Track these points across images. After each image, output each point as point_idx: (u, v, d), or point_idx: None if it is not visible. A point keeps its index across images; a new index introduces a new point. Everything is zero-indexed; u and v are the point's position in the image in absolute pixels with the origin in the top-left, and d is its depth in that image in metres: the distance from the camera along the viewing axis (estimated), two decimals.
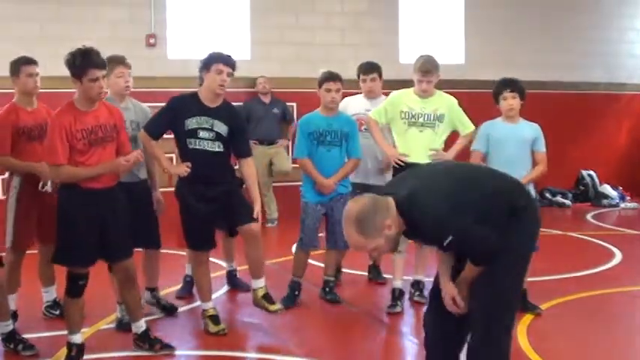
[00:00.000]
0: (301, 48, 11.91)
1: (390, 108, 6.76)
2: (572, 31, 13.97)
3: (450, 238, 3.76)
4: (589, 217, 12.53)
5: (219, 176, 6.00)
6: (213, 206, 5.94)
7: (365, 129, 7.02)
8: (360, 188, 6.90)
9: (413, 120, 6.66)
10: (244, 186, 6.22)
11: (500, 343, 3.98)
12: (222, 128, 5.94)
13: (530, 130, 6.53)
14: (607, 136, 14.44)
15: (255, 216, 5.97)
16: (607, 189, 13.84)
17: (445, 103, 6.74)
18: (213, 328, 5.99)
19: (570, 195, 13.86)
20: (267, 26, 11.90)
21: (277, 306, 6.19)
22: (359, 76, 7.35)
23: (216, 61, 5.91)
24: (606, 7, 14.48)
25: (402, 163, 6.57)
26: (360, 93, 7.43)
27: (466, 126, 6.77)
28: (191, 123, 5.89)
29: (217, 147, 5.94)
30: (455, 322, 4.11)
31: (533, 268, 6.65)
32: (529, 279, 6.58)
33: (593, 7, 14.32)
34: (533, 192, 6.49)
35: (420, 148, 6.63)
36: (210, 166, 5.94)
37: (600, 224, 11.82)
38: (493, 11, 13.41)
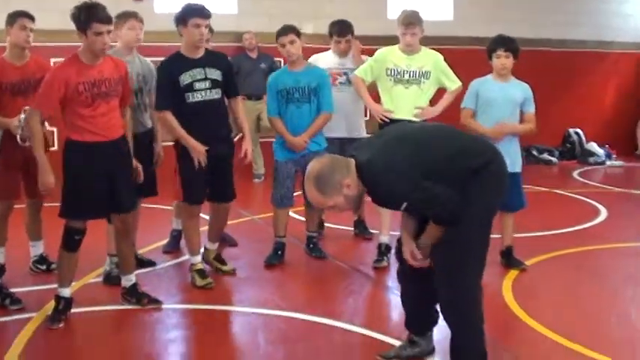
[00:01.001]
0: (288, 3, 11.81)
1: (375, 65, 6.74)
2: None
3: (405, 205, 3.91)
4: (575, 174, 12.58)
5: (219, 126, 6.08)
6: (210, 165, 5.98)
7: (340, 82, 7.07)
8: (338, 143, 6.91)
9: (399, 77, 6.64)
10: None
11: (467, 295, 4.08)
12: (215, 74, 6.00)
13: (520, 90, 6.49)
14: (594, 95, 14.45)
15: (242, 155, 6.20)
16: (593, 147, 13.88)
17: (431, 59, 6.72)
18: (200, 282, 6.03)
19: (557, 153, 13.90)
20: None
21: (230, 266, 6.44)
22: (331, 36, 7.30)
23: (191, 15, 5.90)
24: None
25: (388, 120, 6.58)
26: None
27: (453, 81, 6.75)
28: (185, 78, 5.92)
29: (215, 94, 6.01)
30: (426, 277, 4.20)
31: (519, 224, 6.77)
32: (515, 235, 6.65)
33: None
34: (518, 148, 6.53)
35: (405, 105, 6.63)
36: (210, 116, 6.00)
37: (586, 182, 11.88)
38: None
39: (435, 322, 4.54)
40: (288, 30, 6.52)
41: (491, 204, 4.14)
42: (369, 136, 7.28)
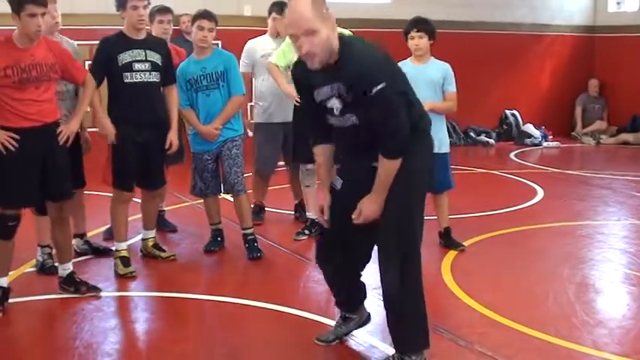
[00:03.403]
0: None
1: (287, 49, 6.76)
2: None
3: (383, 85, 3.73)
4: (512, 155, 12.74)
5: (154, 110, 6.00)
6: (140, 153, 5.93)
7: None
8: (280, 128, 6.93)
9: None
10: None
11: (416, 251, 4.09)
12: (155, 57, 5.97)
13: (438, 69, 6.47)
14: (530, 77, 14.63)
15: (167, 146, 6.05)
16: (530, 128, 14.06)
17: None
18: (122, 270, 5.96)
19: (494, 134, 14.05)
20: None
21: (168, 253, 6.41)
22: (270, 14, 7.30)
23: None
24: None
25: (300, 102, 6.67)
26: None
27: None
28: (124, 57, 5.87)
29: (154, 77, 5.96)
30: (346, 254, 4.29)
31: (457, 205, 6.86)
32: (452, 216, 6.71)
33: None
34: (444, 129, 6.58)
35: None
36: (146, 99, 5.95)
37: (523, 162, 12.04)
38: None
39: (365, 297, 4.60)
40: (210, 16, 6.36)
41: (429, 167, 4.21)
42: None
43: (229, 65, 6.43)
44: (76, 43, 6.36)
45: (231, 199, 6.63)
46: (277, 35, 7.30)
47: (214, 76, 6.38)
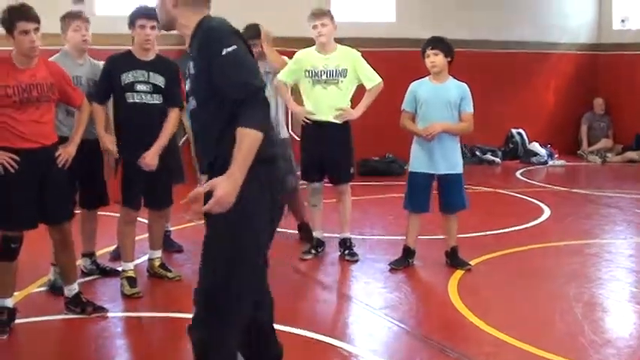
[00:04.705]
0: (232, 5, 11.73)
1: (295, 67, 6.82)
2: None
3: (235, 47, 3.31)
4: (518, 174, 12.71)
5: (154, 132, 5.94)
6: (146, 172, 5.89)
7: None
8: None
9: (317, 78, 6.74)
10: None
11: (222, 311, 3.45)
12: (158, 79, 5.95)
13: (456, 89, 6.50)
14: (536, 95, 14.62)
15: (147, 160, 5.82)
16: (536, 147, 14.03)
17: (348, 57, 6.79)
18: (128, 291, 5.96)
19: (500, 153, 14.03)
20: None
21: (175, 273, 6.42)
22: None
23: (137, 16, 5.93)
24: None
25: (310, 121, 6.68)
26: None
27: (371, 79, 6.81)
28: (127, 77, 5.88)
29: (156, 99, 5.95)
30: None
31: (463, 224, 6.83)
32: (459, 235, 6.70)
33: None
34: (457, 149, 6.58)
35: (325, 105, 6.74)
36: (147, 120, 5.93)
37: (529, 181, 12.01)
38: None
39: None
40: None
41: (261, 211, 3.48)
42: (291, 135, 7.36)
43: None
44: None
45: None
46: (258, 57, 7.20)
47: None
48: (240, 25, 6.32)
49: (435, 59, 6.43)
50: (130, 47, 6.09)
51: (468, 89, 6.52)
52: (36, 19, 5.06)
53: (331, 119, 6.73)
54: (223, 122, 3.35)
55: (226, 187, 3.20)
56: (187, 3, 3.54)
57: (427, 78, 6.57)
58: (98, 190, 6.15)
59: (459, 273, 6.43)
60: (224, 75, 3.33)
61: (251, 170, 3.26)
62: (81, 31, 6.06)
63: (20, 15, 4.99)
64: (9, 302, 5.23)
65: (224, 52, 3.31)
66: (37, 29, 5.03)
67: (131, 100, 5.90)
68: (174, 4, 3.55)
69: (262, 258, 3.65)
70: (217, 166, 3.36)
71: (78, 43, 6.06)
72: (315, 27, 6.73)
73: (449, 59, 6.47)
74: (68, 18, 6.06)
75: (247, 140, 3.23)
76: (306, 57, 6.82)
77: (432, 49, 6.44)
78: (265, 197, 3.46)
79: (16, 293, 5.42)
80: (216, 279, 3.45)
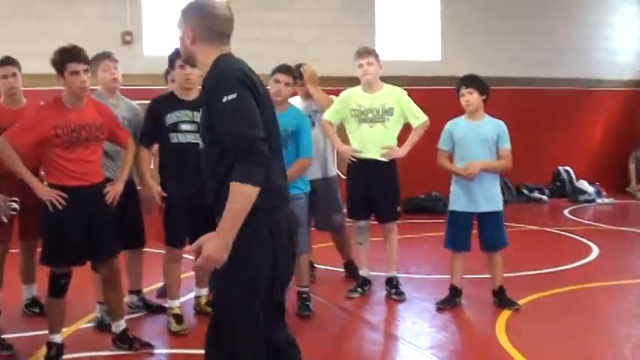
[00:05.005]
0: (278, 45, 11.88)
1: (340, 107, 6.84)
2: (547, 27, 14.06)
3: (235, 96, 3.27)
4: (566, 212, 12.60)
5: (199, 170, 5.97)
6: (189, 211, 5.89)
7: None
8: (310, 185, 6.84)
9: (362, 116, 6.75)
10: None
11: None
12: None
13: (493, 127, 6.46)
14: (583, 132, 14.54)
15: None
16: (584, 184, 13.93)
17: (393, 95, 6.80)
18: (175, 327, 5.97)
19: (547, 191, 13.94)
20: (245, 23, 11.81)
21: None
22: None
23: (176, 56, 5.95)
24: (580, 3, 14.58)
25: (356, 159, 6.68)
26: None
27: (417, 117, 6.81)
28: (171, 118, 5.93)
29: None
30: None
31: (510, 263, 6.77)
32: (507, 274, 6.63)
33: (567, 3, 14.41)
34: (497, 186, 6.55)
35: (372, 143, 6.75)
36: (193, 158, 5.91)
37: (577, 219, 11.89)
38: (469, 8, 13.47)
39: None
40: (286, 70, 6.35)
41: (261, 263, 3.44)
42: (339, 174, 7.36)
43: (301, 125, 6.32)
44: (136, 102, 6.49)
45: None
46: (305, 97, 7.23)
47: (284, 133, 6.12)
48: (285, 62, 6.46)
49: (470, 98, 6.42)
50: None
51: (504, 126, 6.49)
52: (86, 61, 5.17)
53: (378, 157, 6.73)
54: (228, 164, 3.31)
55: (213, 245, 3.25)
56: (205, 40, 3.52)
57: (463, 116, 6.55)
58: (137, 230, 6.21)
59: (506, 313, 6.35)
60: (221, 123, 3.31)
61: (250, 216, 3.27)
62: (110, 70, 6.14)
63: (71, 56, 5.10)
64: (58, 338, 5.29)
65: (224, 100, 3.29)
66: (86, 70, 5.14)
67: (175, 140, 5.94)
68: (191, 41, 3.55)
69: (261, 300, 3.50)
70: (221, 207, 3.31)
71: (108, 82, 6.15)
72: (360, 66, 6.76)
73: (484, 97, 6.45)
74: (96, 59, 6.07)
75: (238, 196, 3.23)
76: (352, 96, 6.85)
77: (466, 87, 6.44)
78: (265, 240, 3.43)
79: (64, 329, 5.48)
80: (220, 317, 3.51)
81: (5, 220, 5.66)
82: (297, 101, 7.29)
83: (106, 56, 6.17)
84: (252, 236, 3.36)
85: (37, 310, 6.39)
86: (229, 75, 3.37)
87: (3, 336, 5.62)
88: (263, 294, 3.48)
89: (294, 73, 6.45)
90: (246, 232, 3.31)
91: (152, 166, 6.27)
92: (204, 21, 3.52)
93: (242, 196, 3.23)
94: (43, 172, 5.58)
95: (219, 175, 3.39)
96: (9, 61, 6.15)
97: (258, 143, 3.25)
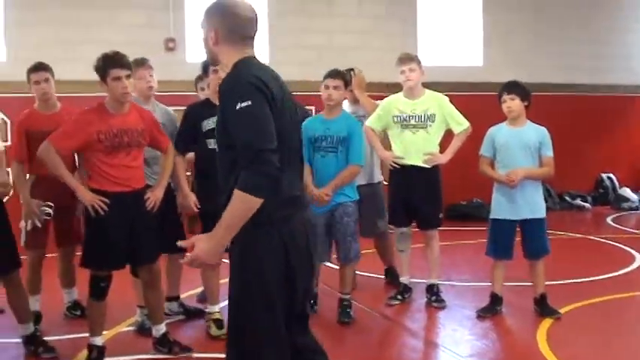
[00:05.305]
0: (319, 51, 11.91)
1: (382, 114, 6.83)
2: (590, 33, 13.93)
3: (249, 103, 3.23)
4: (609, 220, 12.47)
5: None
6: None
7: None
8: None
9: (405, 123, 6.73)
10: None
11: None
12: None
13: (535, 133, 6.41)
14: (626, 139, 14.38)
15: None
16: (627, 192, 13.78)
17: (435, 102, 6.77)
18: (215, 332, 5.98)
19: (590, 198, 13.81)
20: (285, 29, 11.91)
21: None
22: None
23: (210, 63, 5.98)
24: (625, 10, 14.44)
25: (398, 166, 6.64)
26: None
27: (459, 123, 6.77)
28: (207, 124, 5.94)
29: None
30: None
31: (552, 271, 6.70)
32: (548, 282, 6.57)
33: (611, 9, 14.27)
34: (540, 193, 6.50)
35: (414, 150, 6.72)
36: None
37: (620, 227, 11.75)
38: (512, 13, 13.39)
39: None
40: (336, 75, 6.38)
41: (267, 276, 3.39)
42: (383, 181, 7.34)
43: (353, 132, 6.34)
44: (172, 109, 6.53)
45: (333, 266, 6.65)
46: (353, 102, 7.32)
47: (335, 139, 6.32)
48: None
49: (512, 104, 6.37)
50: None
51: (547, 133, 6.44)
52: (128, 67, 5.22)
53: (420, 164, 6.70)
54: (238, 172, 3.25)
55: (204, 246, 3.26)
56: (227, 41, 3.48)
57: (505, 123, 6.50)
58: (177, 235, 6.23)
59: (547, 321, 6.29)
60: (233, 130, 3.27)
61: (261, 230, 3.30)
62: (145, 78, 6.19)
63: (113, 62, 5.15)
64: (99, 340, 5.34)
65: (237, 107, 3.24)
66: (128, 76, 5.19)
67: (212, 146, 5.93)
68: (214, 42, 3.51)
69: (281, 310, 3.46)
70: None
71: (143, 89, 6.19)
72: (402, 72, 6.74)
73: (525, 103, 6.41)
74: (133, 66, 6.11)
75: (237, 204, 3.20)
76: (394, 103, 6.84)
77: (508, 93, 6.40)
78: (278, 256, 3.38)
79: (105, 332, 5.53)
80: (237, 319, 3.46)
81: (39, 224, 5.75)
82: (344, 106, 7.31)
83: (141, 63, 6.19)
84: (264, 253, 3.35)
85: (78, 312, 6.47)
86: (245, 80, 3.32)
87: (45, 338, 5.69)
88: (282, 304, 3.44)
89: (344, 76, 6.45)
90: (259, 250, 3.33)
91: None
92: (226, 21, 3.48)
93: (241, 204, 3.20)
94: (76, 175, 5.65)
95: (230, 182, 3.33)
96: (41, 67, 6.22)
97: (267, 154, 3.19)
